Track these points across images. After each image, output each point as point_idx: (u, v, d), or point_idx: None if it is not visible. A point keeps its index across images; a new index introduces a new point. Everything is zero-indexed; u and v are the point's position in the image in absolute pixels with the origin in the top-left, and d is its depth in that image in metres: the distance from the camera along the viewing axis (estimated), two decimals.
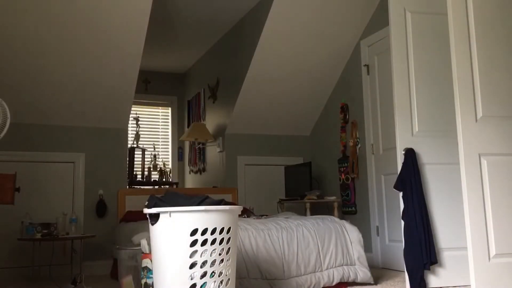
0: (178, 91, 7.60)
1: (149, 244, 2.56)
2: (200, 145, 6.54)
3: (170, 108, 7.60)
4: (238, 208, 2.38)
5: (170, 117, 7.60)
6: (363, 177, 4.94)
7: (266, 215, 4.43)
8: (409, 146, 3.47)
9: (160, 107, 7.58)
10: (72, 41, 4.32)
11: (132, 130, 6.40)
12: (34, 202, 4.68)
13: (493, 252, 2.83)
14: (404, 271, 3.41)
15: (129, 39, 4.44)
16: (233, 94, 5.58)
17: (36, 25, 4.12)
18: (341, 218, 4.64)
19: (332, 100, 5.60)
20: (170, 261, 2.18)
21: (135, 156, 6.31)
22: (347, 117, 5.25)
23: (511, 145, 2.97)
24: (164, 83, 7.49)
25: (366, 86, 4.93)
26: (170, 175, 6.93)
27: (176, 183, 6.69)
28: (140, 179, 6.30)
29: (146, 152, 6.56)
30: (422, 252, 3.27)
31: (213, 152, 6.20)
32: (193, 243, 2.16)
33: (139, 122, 6.70)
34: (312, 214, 4.92)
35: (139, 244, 2.82)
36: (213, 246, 2.20)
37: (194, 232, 2.17)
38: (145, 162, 6.49)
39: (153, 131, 7.47)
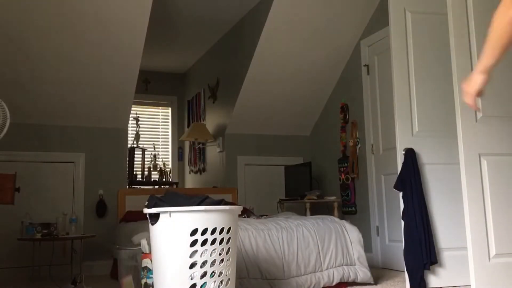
0: (178, 91, 7.60)
1: (149, 244, 2.56)
2: (200, 145, 6.54)
3: (170, 108, 7.60)
4: (238, 208, 2.38)
5: (170, 117, 7.60)
6: (363, 177, 4.94)
7: (266, 215, 4.43)
8: (409, 146, 3.47)
9: (160, 107, 7.58)
10: (72, 41, 4.32)
11: (132, 130, 6.40)
12: (34, 202, 4.68)
13: (493, 252, 2.83)
14: (404, 271, 3.41)
15: (129, 39, 4.44)
16: (233, 94, 5.58)
17: (36, 26, 4.12)
18: (341, 218, 4.64)
19: (332, 100, 5.60)
20: (170, 261, 2.18)
21: (135, 156, 6.31)
22: (347, 117, 5.25)
23: (511, 145, 2.97)
24: (164, 83, 7.49)
25: (366, 86, 4.92)
26: (170, 175, 6.93)
27: (176, 183, 6.69)
28: (140, 179, 6.30)
29: (146, 152, 6.56)
30: (422, 252, 3.27)
31: (213, 152, 6.20)
32: (193, 243, 2.16)
33: (139, 122, 6.70)
34: (312, 214, 4.92)
35: (139, 244, 2.82)
36: (213, 246, 2.20)
37: (194, 232, 2.17)
38: (145, 162, 6.50)
39: (153, 131, 7.47)
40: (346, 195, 5.17)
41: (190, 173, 7.07)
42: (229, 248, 2.28)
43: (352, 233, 3.62)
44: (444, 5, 3.03)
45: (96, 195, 4.98)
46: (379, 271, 4.30)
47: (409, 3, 3.69)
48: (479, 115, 2.95)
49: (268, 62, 5.13)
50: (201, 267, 2.17)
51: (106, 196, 5.00)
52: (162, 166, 6.85)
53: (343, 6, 4.81)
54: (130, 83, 4.86)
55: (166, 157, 7.41)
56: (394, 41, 3.61)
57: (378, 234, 4.70)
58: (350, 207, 5.11)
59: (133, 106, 5.61)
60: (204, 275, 2.17)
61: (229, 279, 2.28)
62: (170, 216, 2.18)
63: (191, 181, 7.03)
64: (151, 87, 7.31)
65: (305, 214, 4.91)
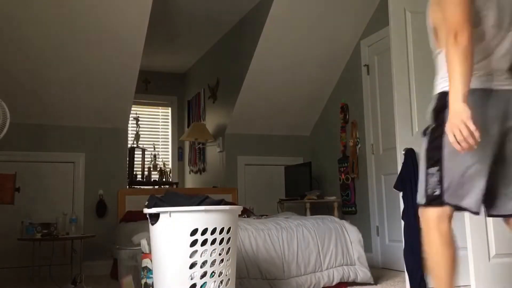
0: (178, 91, 7.60)
1: (149, 244, 2.56)
2: (200, 145, 6.54)
3: (170, 108, 7.60)
4: (238, 208, 2.38)
5: (170, 117, 7.60)
6: (363, 177, 4.94)
7: (266, 215, 4.43)
8: (409, 146, 3.47)
9: (160, 107, 7.58)
10: (72, 42, 4.32)
11: (132, 130, 6.39)
12: (34, 202, 4.67)
13: (493, 252, 2.83)
14: (404, 271, 3.40)
15: (129, 39, 4.44)
16: (233, 94, 5.58)
17: (36, 25, 4.12)
18: (341, 218, 4.63)
19: (332, 100, 5.60)
20: (170, 261, 2.18)
21: (135, 156, 6.31)
22: (347, 117, 5.25)
23: None
24: (164, 83, 7.49)
25: (366, 86, 4.92)
26: (170, 175, 6.93)
27: (176, 183, 6.69)
28: (140, 179, 6.30)
29: (146, 152, 6.56)
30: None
31: (213, 152, 6.20)
32: (193, 243, 2.17)
33: (139, 122, 6.70)
34: (312, 214, 4.92)
35: (139, 244, 2.82)
36: (213, 246, 2.20)
37: (194, 232, 2.17)
38: (145, 162, 6.50)
39: (153, 131, 7.47)
40: (346, 195, 5.17)
41: (190, 173, 7.07)
42: (229, 248, 2.28)
43: (352, 233, 3.62)
44: None
45: (96, 195, 4.98)
46: (379, 271, 4.30)
47: (409, 3, 3.69)
48: None
49: (268, 62, 5.13)
50: (201, 267, 2.17)
51: (106, 196, 5.00)
52: (162, 166, 6.85)
53: (343, 6, 4.81)
54: (130, 83, 4.86)
55: (166, 157, 7.41)
56: (394, 41, 3.61)
57: (378, 234, 4.70)
58: (350, 207, 5.11)
59: (133, 106, 5.61)
60: (204, 275, 2.17)
61: (229, 279, 2.28)
62: (170, 216, 2.18)
63: (191, 181, 7.03)
64: (151, 87, 7.30)
65: (305, 214, 4.91)
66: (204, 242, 2.18)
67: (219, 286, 2.22)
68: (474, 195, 1.83)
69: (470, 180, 1.82)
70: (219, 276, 2.22)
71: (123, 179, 5.22)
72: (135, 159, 6.29)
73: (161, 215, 2.20)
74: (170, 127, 7.57)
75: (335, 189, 5.40)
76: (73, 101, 4.81)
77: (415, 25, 3.65)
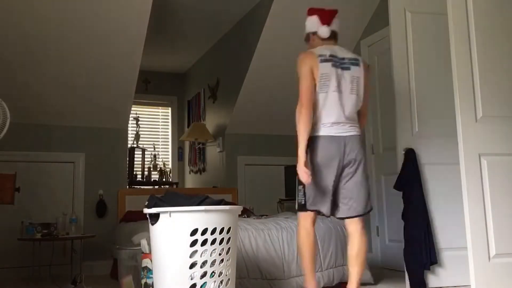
0: (178, 91, 7.59)
1: (149, 244, 2.56)
2: (200, 145, 6.54)
3: (170, 108, 7.60)
4: (238, 208, 2.38)
5: (170, 117, 7.60)
6: None
7: (266, 215, 4.43)
8: (409, 146, 3.47)
9: (160, 107, 7.58)
10: (72, 41, 4.32)
11: (132, 130, 6.39)
12: (34, 202, 4.67)
13: (493, 252, 2.82)
14: (404, 271, 3.41)
15: (129, 39, 4.44)
16: (233, 94, 5.58)
17: (35, 25, 4.12)
18: None
19: None
20: (170, 261, 2.18)
21: (135, 156, 6.31)
22: None
23: (511, 145, 2.97)
24: (164, 83, 7.49)
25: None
26: (170, 175, 6.93)
27: (176, 183, 6.69)
28: (140, 179, 6.30)
29: (146, 152, 6.56)
30: (422, 252, 3.27)
31: (213, 152, 6.20)
32: (193, 243, 2.17)
33: (139, 122, 6.70)
34: None
35: (139, 244, 2.82)
36: (213, 246, 2.20)
37: (194, 232, 2.17)
38: (145, 162, 6.50)
39: (153, 131, 7.47)
40: None
41: (190, 173, 7.07)
42: (229, 248, 2.28)
43: None
44: (444, 5, 3.03)
45: (96, 195, 4.98)
46: (379, 271, 4.30)
47: (409, 3, 3.69)
48: (479, 115, 2.94)
49: (268, 62, 5.13)
50: (201, 267, 2.17)
51: (106, 196, 5.00)
52: (162, 166, 6.85)
53: (343, 6, 4.80)
54: (130, 83, 4.86)
55: (166, 157, 7.41)
56: (394, 41, 3.61)
57: (378, 234, 4.70)
58: None
59: (133, 106, 5.61)
60: (204, 275, 2.18)
61: (229, 279, 2.28)
62: (170, 216, 2.18)
63: (191, 181, 7.03)
64: (151, 87, 7.30)
65: None
66: (204, 242, 2.18)
67: (219, 286, 2.22)
68: (326, 204, 2.77)
69: (323, 195, 2.80)
70: (219, 276, 2.22)
71: (123, 179, 5.22)
72: (135, 159, 6.29)
73: (161, 215, 2.20)
74: (170, 127, 7.57)
75: None
76: (73, 101, 4.81)
77: (415, 25, 3.65)
